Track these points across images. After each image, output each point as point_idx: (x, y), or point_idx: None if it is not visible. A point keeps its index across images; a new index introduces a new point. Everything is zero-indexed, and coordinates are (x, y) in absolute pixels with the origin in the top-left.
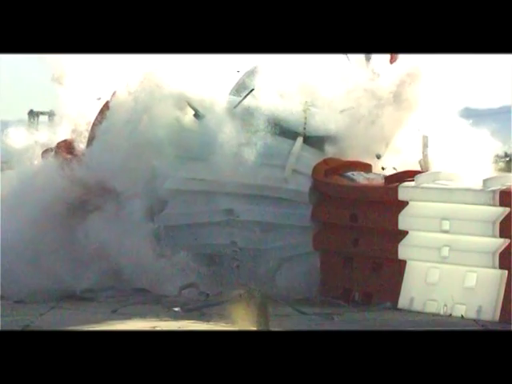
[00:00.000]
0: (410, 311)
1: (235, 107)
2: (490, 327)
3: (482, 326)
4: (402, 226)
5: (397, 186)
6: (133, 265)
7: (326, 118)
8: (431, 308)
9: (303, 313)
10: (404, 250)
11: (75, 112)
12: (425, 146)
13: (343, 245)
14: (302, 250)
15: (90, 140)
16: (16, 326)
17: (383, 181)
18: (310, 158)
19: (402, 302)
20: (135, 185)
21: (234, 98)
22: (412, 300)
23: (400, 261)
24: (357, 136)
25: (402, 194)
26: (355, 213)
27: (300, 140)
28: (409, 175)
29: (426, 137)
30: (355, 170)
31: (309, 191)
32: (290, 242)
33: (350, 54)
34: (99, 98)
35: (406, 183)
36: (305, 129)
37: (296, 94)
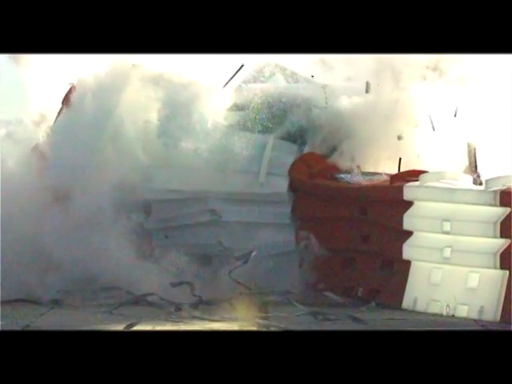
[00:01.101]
0: (410, 311)
1: (224, 86)
2: (490, 327)
3: (482, 325)
4: (406, 226)
5: (402, 186)
6: (107, 265)
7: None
8: (434, 308)
9: (315, 313)
10: (408, 251)
11: (40, 100)
12: (471, 153)
13: (345, 243)
14: (288, 248)
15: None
16: (16, 326)
17: (388, 180)
18: (284, 157)
19: (407, 303)
20: (101, 187)
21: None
22: (415, 300)
23: (405, 260)
24: (377, 115)
25: (407, 194)
26: (362, 211)
27: (271, 141)
28: (413, 175)
29: (474, 147)
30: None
31: (287, 191)
32: (275, 241)
33: (350, 54)
34: (71, 84)
35: (411, 183)
36: (326, 103)
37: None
